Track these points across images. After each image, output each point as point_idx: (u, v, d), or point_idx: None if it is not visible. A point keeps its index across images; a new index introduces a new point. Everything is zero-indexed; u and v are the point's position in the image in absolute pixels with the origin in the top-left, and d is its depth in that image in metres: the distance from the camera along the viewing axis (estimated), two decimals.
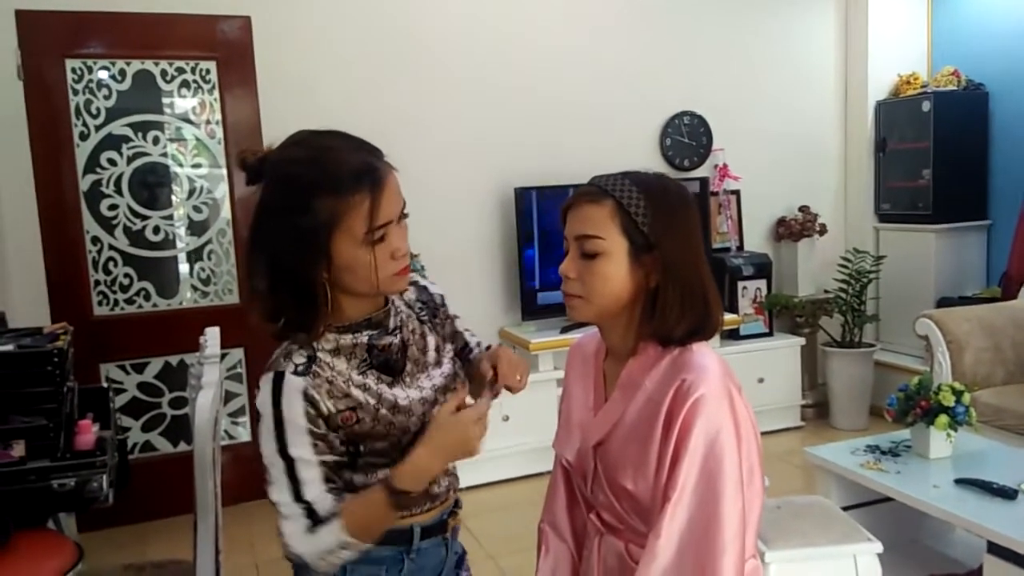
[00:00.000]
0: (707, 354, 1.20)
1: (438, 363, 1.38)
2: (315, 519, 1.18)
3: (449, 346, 1.44)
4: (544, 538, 1.44)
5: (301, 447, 1.19)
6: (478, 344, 1.54)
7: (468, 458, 1.25)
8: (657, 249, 1.18)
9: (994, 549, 2.28)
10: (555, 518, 1.44)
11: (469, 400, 1.29)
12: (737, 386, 1.19)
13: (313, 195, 1.17)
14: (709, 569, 1.12)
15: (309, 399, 1.19)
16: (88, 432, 1.86)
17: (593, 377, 1.33)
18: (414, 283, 1.44)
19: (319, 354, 1.24)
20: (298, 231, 1.18)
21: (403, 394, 1.30)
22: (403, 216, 1.27)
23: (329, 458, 1.21)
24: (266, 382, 1.21)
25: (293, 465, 1.19)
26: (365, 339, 1.28)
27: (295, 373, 1.20)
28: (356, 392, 1.25)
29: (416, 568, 1.35)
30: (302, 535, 1.18)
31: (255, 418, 1.23)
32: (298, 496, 1.18)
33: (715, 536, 1.12)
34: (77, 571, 1.65)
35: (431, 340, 1.39)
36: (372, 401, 1.26)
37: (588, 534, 1.37)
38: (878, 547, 2.30)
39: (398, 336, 1.33)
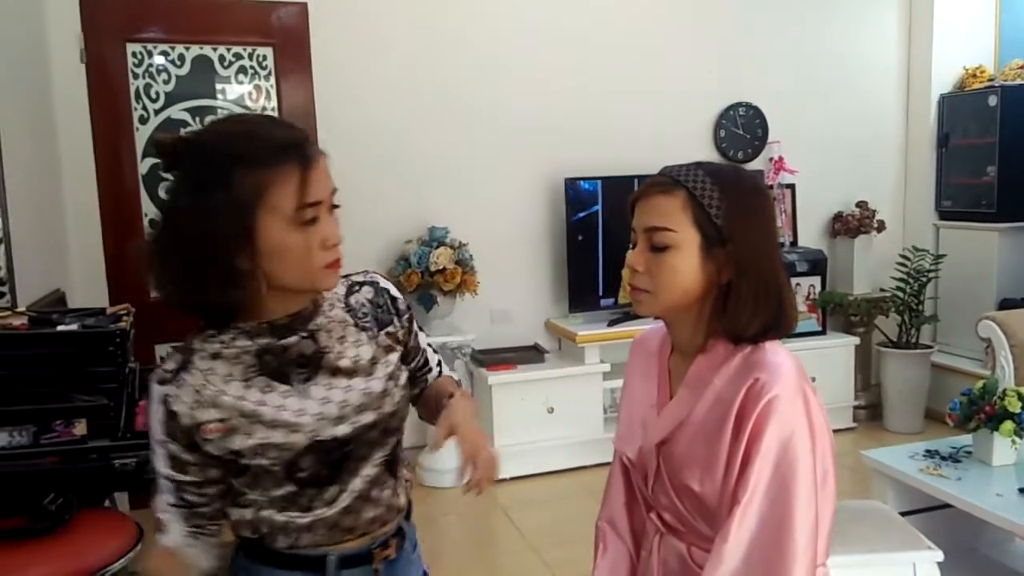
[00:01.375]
0: (780, 352, 1.16)
1: (366, 375, 1.21)
2: (159, 530, 1.16)
3: (391, 359, 1.26)
4: (602, 536, 1.41)
5: (157, 459, 1.14)
6: (439, 364, 1.41)
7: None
8: (730, 243, 1.14)
9: None
10: (613, 516, 1.41)
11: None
12: (812, 386, 1.14)
13: (234, 168, 1.05)
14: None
15: (167, 409, 1.11)
16: None
17: (657, 374, 1.30)
18: (373, 284, 1.29)
19: (195, 358, 1.13)
20: (216, 209, 1.05)
21: (296, 406, 1.15)
22: (334, 205, 1.14)
23: (180, 477, 1.13)
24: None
25: (156, 475, 1.15)
26: (257, 345, 1.15)
27: (159, 381, 1.13)
28: (227, 401, 1.12)
29: None
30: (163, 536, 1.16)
31: None
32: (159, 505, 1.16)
33: (786, 543, 1.08)
34: (137, 551, 1.68)
35: (364, 350, 1.22)
36: (246, 414, 1.12)
37: (647, 534, 1.34)
38: (939, 555, 2.23)
39: (310, 339, 1.18)
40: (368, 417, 1.20)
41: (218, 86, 3.74)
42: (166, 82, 3.62)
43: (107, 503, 2.26)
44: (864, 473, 3.17)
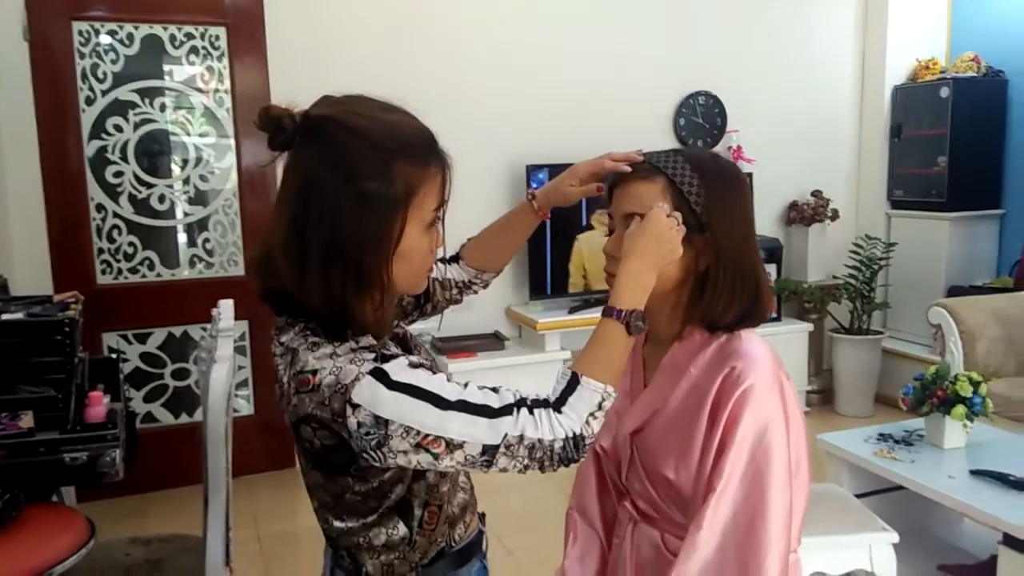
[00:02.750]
0: (756, 341, 1.16)
1: None
2: (544, 401, 1.01)
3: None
4: (572, 525, 1.41)
5: (446, 383, 1.00)
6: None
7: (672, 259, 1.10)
8: (709, 230, 1.13)
9: (1010, 541, 2.26)
10: (584, 505, 1.40)
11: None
12: (787, 374, 1.15)
13: (395, 159, 0.99)
14: (753, 565, 1.09)
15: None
16: (99, 404, 1.82)
17: (632, 362, 1.29)
18: None
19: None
20: (368, 201, 0.98)
21: None
22: None
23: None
24: (368, 384, 0.97)
25: (461, 400, 0.98)
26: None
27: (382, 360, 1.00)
28: None
29: None
30: (554, 421, 0.98)
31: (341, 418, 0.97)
32: (496, 411, 0.98)
33: (761, 531, 1.09)
34: (89, 547, 1.62)
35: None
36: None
37: (620, 522, 1.34)
38: (894, 537, 2.28)
39: (407, 347, 1.19)
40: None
41: (168, 67, 3.62)
42: (114, 62, 3.49)
43: (54, 498, 2.18)
44: (819, 457, 3.23)
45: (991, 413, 2.72)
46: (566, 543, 1.41)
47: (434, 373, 1.03)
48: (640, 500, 1.27)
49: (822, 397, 4.75)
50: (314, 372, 0.99)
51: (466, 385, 1.01)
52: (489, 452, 0.98)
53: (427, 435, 0.97)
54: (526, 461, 1.00)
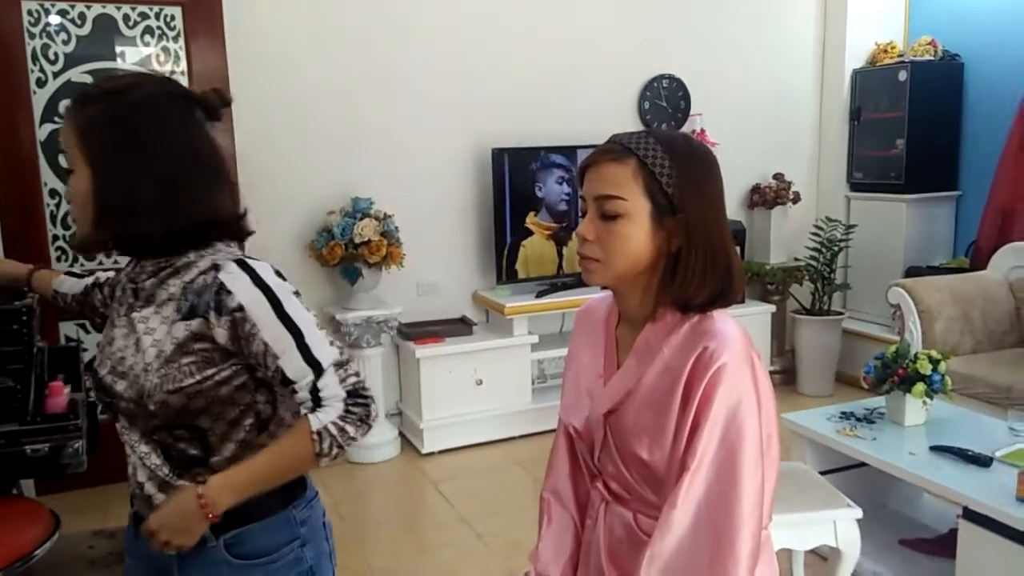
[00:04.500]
0: (728, 321, 1.16)
1: (137, 348, 1.21)
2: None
3: (167, 350, 1.18)
4: (546, 507, 1.40)
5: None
6: (313, 388, 1.20)
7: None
8: (681, 212, 1.13)
9: (969, 515, 2.32)
10: (558, 487, 1.40)
11: None
12: (758, 353, 1.16)
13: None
14: (726, 541, 1.10)
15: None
16: (60, 394, 1.77)
17: (604, 343, 1.29)
18: (215, 274, 1.18)
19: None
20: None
21: (105, 328, 1.32)
22: (66, 168, 1.24)
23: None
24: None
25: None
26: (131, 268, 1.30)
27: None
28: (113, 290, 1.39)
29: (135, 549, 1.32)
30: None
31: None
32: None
33: (733, 508, 1.10)
34: (54, 540, 1.58)
35: (158, 327, 1.20)
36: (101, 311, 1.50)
37: (592, 503, 1.34)
38: (857, 513, 2.33)
39: (136, 289, 1.26)
40: (120, 386, 1.20)
41: (122, 48, 3.52)
42: (65, 43, 3.39)
43: (13, 491, 2.13)
44: (783, 435, 3.28)
45: (950, 391, 2.79)
46: (540, 525, 1.40)
47: None
48: (612, 481, 1.27)
49: (784, 377, 4.83)
50: None
51: None
52: None
53: None
54: None
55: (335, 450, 1.19)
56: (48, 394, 1.78)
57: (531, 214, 4.15)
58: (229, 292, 1.16)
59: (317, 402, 1.19)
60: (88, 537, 2.06)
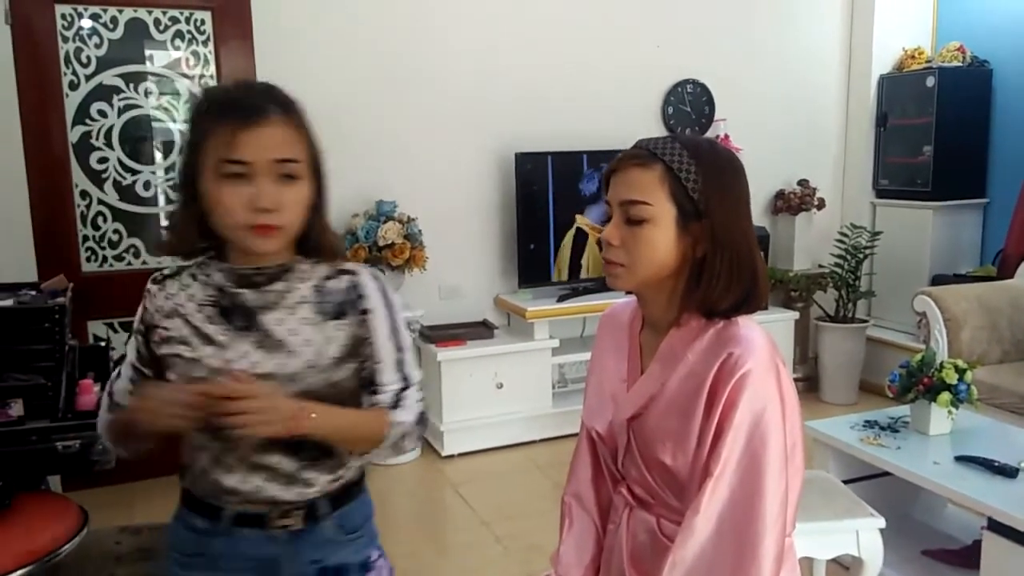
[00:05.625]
0: (753, 327, 1.16)
1: (289, 353, 1.24)
2: (109, 404, 1.30)
3: (328, 351, 1.26)
4: (568, 511, 1.41)
5: (129, 344, 1.31)
6: (397, 394, 1.30)
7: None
8: (706, 217, 1.13)
9: (994, 526, 2.29)
10: (580, 491, 1.40)
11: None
12: (783, 360, 1.15)
13: (201, 114, 1.21)
14: (749, 549, 1.10)
15: (144, 302, 1.27)
16: (90, 392, 1.80)
17: (628, 348, 1.29)
18: (349, 273, 1.30)
19: (186, 271, 1.28)
20: (187, 144, 1.22)
21: (227, 354, 1.22)
22: (286, 175, 1.19)
23: (144, 370, 1.28)
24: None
25: (123, 357, 1.31)
26: (225, 284, 1.25)
27: (153, 280, 1.28)
28: (178, 320, 1.25)
29: (223, 552, 1.28)
30: (102, 414, 1.32)
31: None
32: (110, 387, 1.32)
33: (757, 516, 1.10)
34: (83, 535, 1.61)
35: (307, 331, 1.25)
36: (187, 337, 1.24)
37: (615, 508, 1.34)
38: (880, 522, 2.31)
39: (265, 294, 1.24)
40: (284, 387, 1.22)
41: (152, 51, 3.58)
42: (98, 46, 3.45)
43: (41, 487, 2.17)
44: (806, 443, 3.26)
45: (976, 400, 2.76)
46: (561, 529, 1.41)
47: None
48: (636, 486, 1.27)
49: (807, 385, 4.79)
50: None
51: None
52: None
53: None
54: None
55: (395, 445, 1.29)
56: (78, 391, 1.81)
57: (579, 216, 4.17)
58: (364, 296, 1.29)
59: (395, 406, 1.30)
60: (115, 533, 2.09)
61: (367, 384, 1.30)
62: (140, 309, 1.28)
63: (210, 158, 1.16)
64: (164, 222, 1.29)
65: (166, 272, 1.28)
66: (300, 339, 1.25)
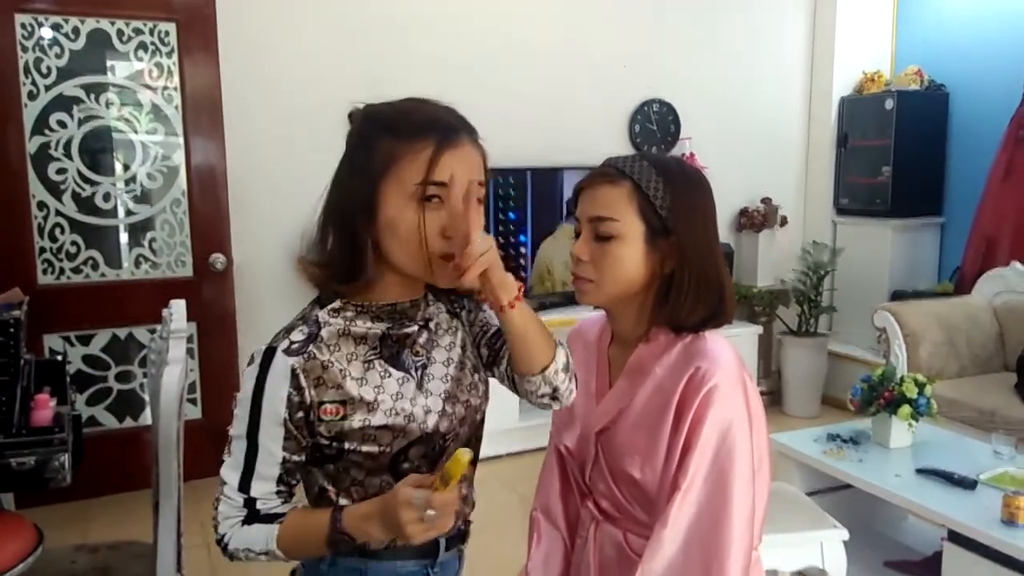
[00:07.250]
0: (720, 342, 1.17)
1: (459, 366, 1.18)
2: (252, 516, 1.08)
3: (469, 343, 1.21)
4: (536, 526, 1.40)
5: (271, 439, 1.06)
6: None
7: (405, 541, 1.02)
8: (674, 234, 1.15)
9: (954, 537, 2.33)
10: (548, 505, 1.40)
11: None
12: (750, 374, 1.17)
13: (377, 135, 1.09)
14: (716, 562, 1.11)
15: (295, 383, 1.05)
16: (46, 407, 1.76)
17: (596, 363, 1.30)
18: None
19: (323, 332, 1.09)
20: (353, 170, 1.09)
21: (411, 394, 1.11)
22: (478, 199, 1.08)
23: (295, 458, 1.08)
24: (258, 355, 1.07)
25: (256, 453, 1.07)
26: (380, 329, 1.11)
27: (287, 352, 1.05)
28: (351, 385, 1.07)
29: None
30: (233, 524, 1.09)
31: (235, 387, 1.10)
32: (246, 486, 1.08)
33: (724, 529, 1.11)
34: (37, 554, 1.56)
35: (459, 336, 1.19)
36: (368, 399, 1.08)
37: (582, 522, 1.34)
38: (844, 534, 2.33)
39: (424, 328, 1.15)
40: (459, 411, 1.16)
41: (115, 62, 3.52)
42: (58, 56, 3.38)
43: None
44: (770, 455, 3.30)
45: (936, 414, 2.81)
46: (530, 544, 1.41)
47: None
48: (603, 500, 1.28)
49: (771, 398, 4.84)
50: None
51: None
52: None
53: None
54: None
55: (565, 367, 1.20)
56: (33, 407, 1.77)
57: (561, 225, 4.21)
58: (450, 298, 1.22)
59: None
60: (70, 552, 2.03)
61: (496, 352, 1.19)
62: (282, 396, 1.06)
63: (403, 182, 1.05)
64: (309, 255, 1.08)
65: (294, 340, 1.07)
66: (458, 350, 1.18)
